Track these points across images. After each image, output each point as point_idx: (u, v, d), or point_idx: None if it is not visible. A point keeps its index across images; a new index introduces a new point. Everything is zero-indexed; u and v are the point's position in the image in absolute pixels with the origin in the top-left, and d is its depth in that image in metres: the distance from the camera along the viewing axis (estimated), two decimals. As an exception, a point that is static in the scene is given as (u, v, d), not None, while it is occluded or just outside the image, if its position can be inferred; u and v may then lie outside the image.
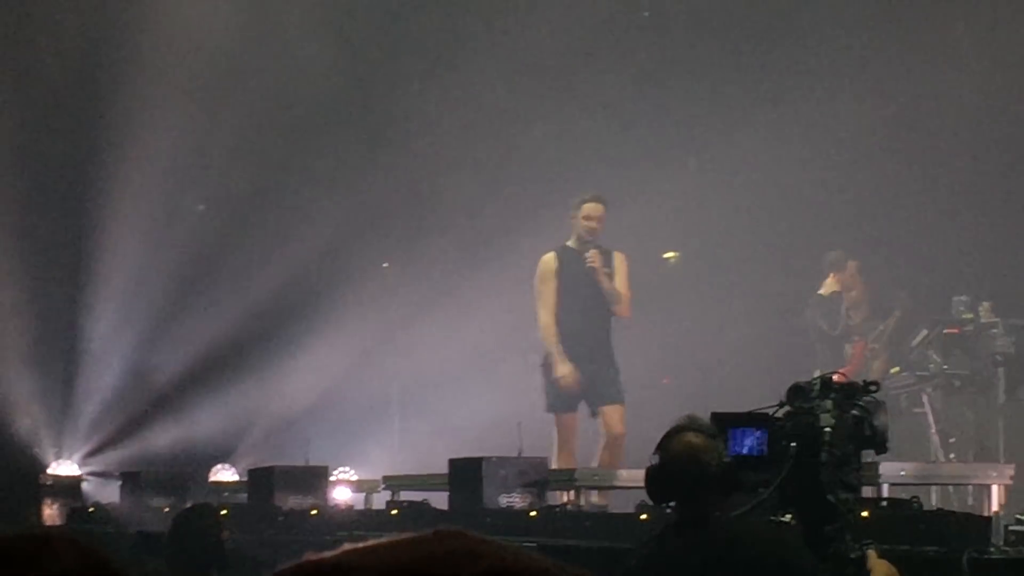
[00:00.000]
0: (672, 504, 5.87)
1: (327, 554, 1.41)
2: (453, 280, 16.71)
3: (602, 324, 12.70)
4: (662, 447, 5.71)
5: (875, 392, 6.16)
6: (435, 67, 16.83)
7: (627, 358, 15.18)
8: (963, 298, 13.98)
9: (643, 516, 8.61)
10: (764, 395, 6.30)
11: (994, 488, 9.22)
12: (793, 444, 5.74)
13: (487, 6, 17.07)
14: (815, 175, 15.70)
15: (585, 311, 12.58)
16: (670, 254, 17.30)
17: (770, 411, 6.08)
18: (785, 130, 15.87)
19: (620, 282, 12.63)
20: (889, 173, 15.37)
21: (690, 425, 5.78)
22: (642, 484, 10.06)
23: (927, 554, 7.11)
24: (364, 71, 17.04)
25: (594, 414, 12.50)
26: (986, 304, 13.86)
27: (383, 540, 1.28)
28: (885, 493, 8.47)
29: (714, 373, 15.34)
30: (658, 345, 15.61)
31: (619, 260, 12.70)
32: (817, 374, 6.22)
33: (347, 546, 1.41)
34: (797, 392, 5.99)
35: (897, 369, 14.17)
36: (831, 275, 14.61)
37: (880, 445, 6.16)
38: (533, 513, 9.79)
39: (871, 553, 5.86)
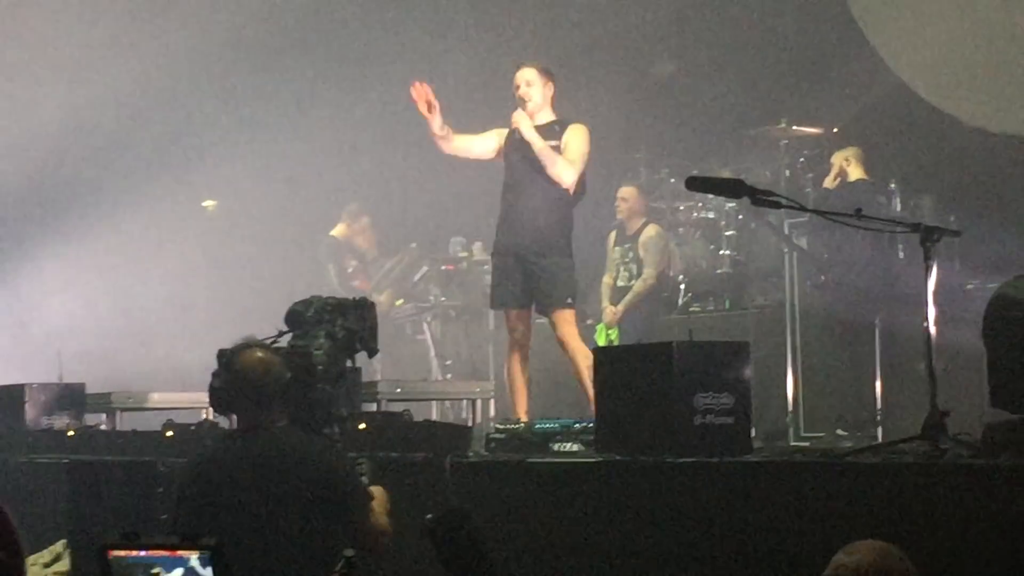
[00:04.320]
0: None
1: None
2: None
3: (547, 210, 9.78)
4: (230, 362, 5.64)
5: (363, 305, 6.21)
6: None
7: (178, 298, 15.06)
8: (459, 239, 14.27)
9: (169, 433, 8.53)
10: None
11: (479, 402, 9.45)
12: (289, 375, 5.72)
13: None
14: (337, 131, 15.75)
15: (527, 193, 9.85)
16: (208, 202, 17.11)
17: (276, 340, 6.08)
18: (310, 91, 15.90)
19: (568, 152, 9.72)
20: (396, 131, 15.52)
21: (255, 342, 5.74)
22: (172, 405, 10.14)
23: (415, 459, 7.23)
24: None
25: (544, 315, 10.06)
26: (478, 244, 14.14)
27: None
28: (384, 407, 8.60)
29: (251, 306, 15.20)
30: (198, 281, 15.47)
31: (572, 131, 9.79)
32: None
33: None
34: (295, 318, 6.00)
35: (401, 301, 14.35)
36: (345, 222, 14.68)
37: (371, 351, 6.24)
38: (71, 433, 9.62)
39: (363, 479, 5.93)
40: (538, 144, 9.67)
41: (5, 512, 1.09)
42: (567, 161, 9.64)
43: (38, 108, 15.34)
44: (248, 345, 5.69)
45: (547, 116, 9.86)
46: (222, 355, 5.72)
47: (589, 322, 13.00)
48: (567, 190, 9.66)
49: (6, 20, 15.22)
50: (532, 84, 9.82)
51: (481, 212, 14.56)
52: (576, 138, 9.73)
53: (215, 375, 5.72)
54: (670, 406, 6.56)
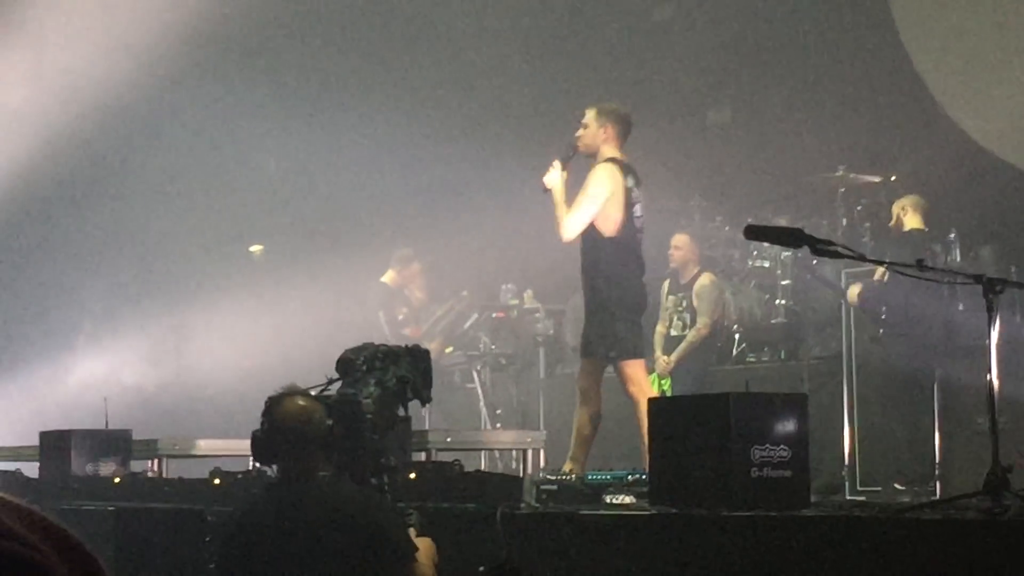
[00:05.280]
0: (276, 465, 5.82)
1: None
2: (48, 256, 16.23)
3: (586, 259, 9.77)
4: (270, 411, 5.65)
5: (416, 352, 6.21)
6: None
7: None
8: (510, 286, 14.29)
9: (216, 481, 8.55)
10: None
11: (529, 452, 9.43)
12: (330, 423, 5.73)
13: None
14: (387, 177, 15.82)
15: (578, 243, 9.83)
16: (255, 247, 17.20)
17: (326, 388, 6.09)
18: (359, 137, 15.97)
19: (580, 197, 9.63)
20: (447, 177, 15.58)
21: (296, 390, 5.75)
22: (219, 453, 10.16)
23: (466, 510, 7.22)
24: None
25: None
26: (529, 292, 14.16)
27: None
28: (434, 457, 8.59)
29: (298, 353, 15.24)
30: (245, 329, 15.51)
31: (593, 172, 9.71)
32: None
33: None
34: (347, 366, 6.01)
35: (451, 349, 14.36)
36: (396, 268, 14.71)
37: (423, 399, 6.24)
38: (117, 480, 9.66)
39: (412, 530, 5.92)
40: (553, 198, 9.65)
41: (100, 562, 1.10)
42: (564, 217, 9.58)
43: (80, 147, 15.48)
44: (289, 393, 5.70)
45: (610, 156, 9.76)
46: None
47: (641, 372, 12.98)
48: (608, 237, 9.59)
49: (45, 60, 15.36)
50: (587, 125, 9.79)
51: (532, 259, 14.63)
52: (585, 187, 9.66)
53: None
54: (726, 458, 6.53)
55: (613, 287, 9.63)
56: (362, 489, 5.81)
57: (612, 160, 9.72)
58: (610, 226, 9.59)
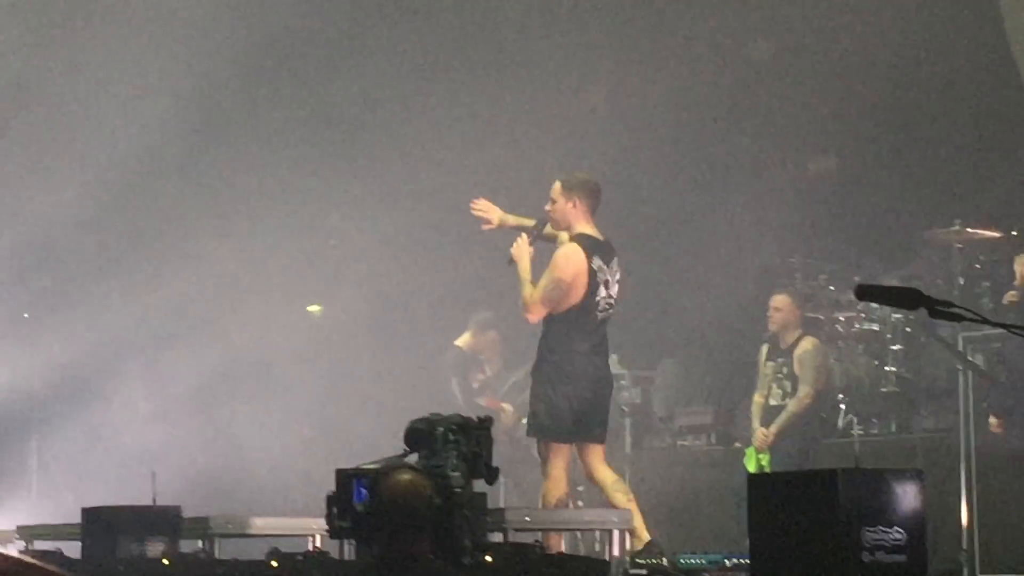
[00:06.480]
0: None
1: None
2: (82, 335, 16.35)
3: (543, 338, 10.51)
4: (378, 486, 5.63)
5: (488, 427, 6.24)
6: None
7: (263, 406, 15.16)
8: (591, 351, 14.23)
9: (273, 563, 8.57)
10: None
11: (615, 533, 9.40)
12: (439, 501, 5.72)
13: None
14: (452, 239, 15.85)
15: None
16: (314, 307, 17.26)
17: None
18: (425, 191, 16.02)
19: (544, 276, 10.30)
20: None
21: (403, 464, 5.75)
22: (277, 532, 10.17)
23: (548, 597, 7.21)
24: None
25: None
26: (614, 356, 14.08)
27: None
28: (511, 537, 8.56)
29: (360, 423, 15.28)
30: (302, 396, 15.55)
31: (559, 252, 10.32)
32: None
33: None
34: (419, 438, 6.01)
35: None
36: (472, 332, 14.70)
37: (491, 478, 6.27)
38: (166, 561, 9.68)
39: None
40: (519, 273, 10.35)
41: None
42: (530, 296, 10.29)
43: (124, 196, 15.63)
44: (395, 467, 5.70)
45: (581, 231, 10.31)
46: (345, 476, 5.75)
47: (737, 445, 12.92)
48: (556, 315, 10.26)
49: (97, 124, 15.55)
50: (555, 200, 10.35)
51: (617, 321, 14.58)
52: (551, 268, 10.26)
53: (331, 499, 5.75)
54: (835, 541, 6.50)
55: (546, 363, 10.38)
56: (460, 574, 5.79)
57: (580, 238, 10.26)
58: (561, 306, 10.27)
